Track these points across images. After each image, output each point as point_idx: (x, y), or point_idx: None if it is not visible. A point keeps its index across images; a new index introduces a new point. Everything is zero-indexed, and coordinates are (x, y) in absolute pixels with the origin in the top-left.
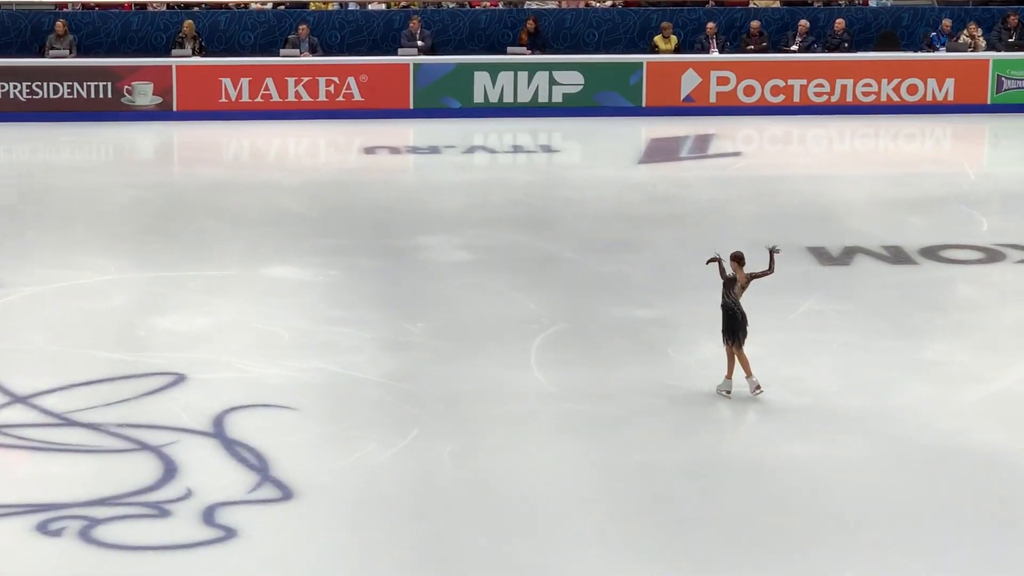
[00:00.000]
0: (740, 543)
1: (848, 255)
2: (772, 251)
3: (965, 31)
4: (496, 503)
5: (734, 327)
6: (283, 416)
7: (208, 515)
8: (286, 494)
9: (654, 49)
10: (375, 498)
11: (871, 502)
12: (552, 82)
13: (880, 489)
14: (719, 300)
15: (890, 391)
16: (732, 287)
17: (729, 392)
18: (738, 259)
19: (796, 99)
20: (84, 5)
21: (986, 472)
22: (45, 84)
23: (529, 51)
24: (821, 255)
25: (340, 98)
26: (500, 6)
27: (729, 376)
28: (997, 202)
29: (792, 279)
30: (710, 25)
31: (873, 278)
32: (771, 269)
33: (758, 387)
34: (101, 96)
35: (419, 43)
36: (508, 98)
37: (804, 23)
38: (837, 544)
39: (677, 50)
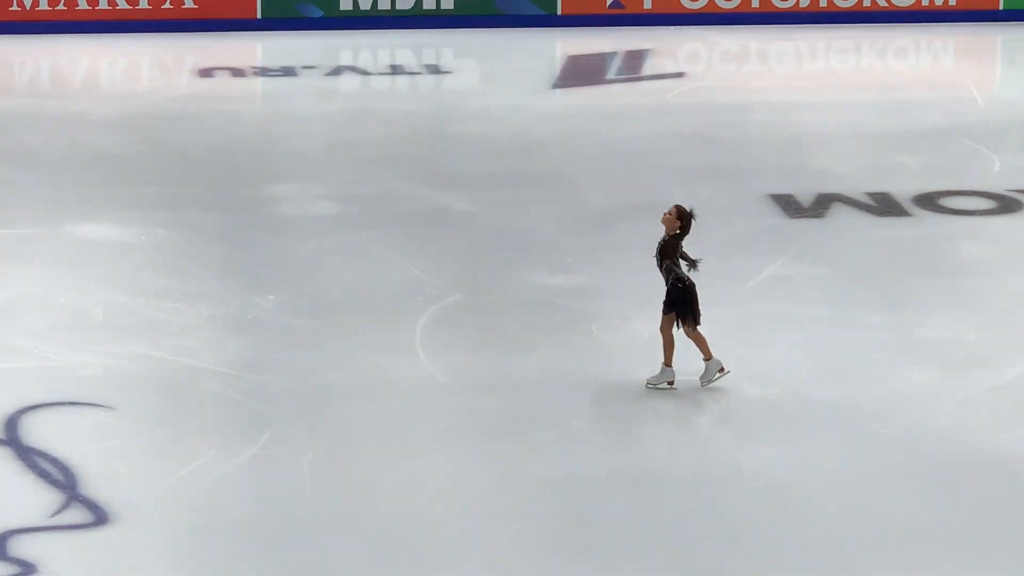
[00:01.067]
0: (685, 574)
1: (822, 205)
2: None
3: None
4: (372, 527)
5: (688, 302)
6: (96, 417)
7: (0, 546)
8: (100, 518)
9: None
10: (215, 522)
11: (853, 520)
12: None
13: (864, 504)
14: (660, 266)
15: (876, 380)
16: (678, 248)
17: (672, 383)
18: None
19: (755, 4)
20: None
21: (999, 482)
22: None
23: None
24: (788, 205)
25: (167, 5)
26: None
27: (668, 363)
28: (1013, 136)
29: (752, 236)
30: None
31: (854, 234)
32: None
33: (722, 369)
34: None
35: None
36: (384, 4)
37: None
38: (810, 574)
39: None
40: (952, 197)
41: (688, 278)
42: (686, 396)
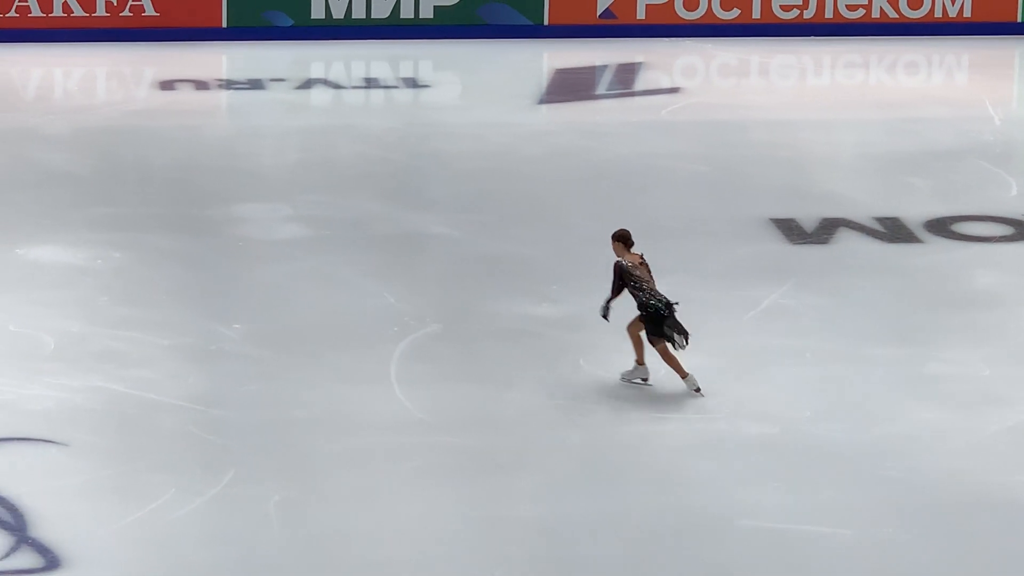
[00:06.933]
0: None
1: (827, 230)
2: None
3: None
4: (343, 574)
5: (657, 323)
6: (48, 454)
7: None
8: (51, 562)
9: None
10: (174, 568)
11: (860, 570)
12: None
13: (871, 553)
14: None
15: (883, 418)
16: (635, 280)
17: (647, 379)
18: (623, 239)
19: (756, 15)
20: None
21: (1013, 528)
22: None
23: None
24: (790, 230)
25: (126, 13)
26: None
27: (641, 361)
28: None
29: (751, 263)
30: None
31: (860, 261)
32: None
33: (698, 389)
34: None
35: None
36: (359, 13)
37: None
38: None
39: None
40: (966, 222)
41: (655, 304)
42: (680, 435)
